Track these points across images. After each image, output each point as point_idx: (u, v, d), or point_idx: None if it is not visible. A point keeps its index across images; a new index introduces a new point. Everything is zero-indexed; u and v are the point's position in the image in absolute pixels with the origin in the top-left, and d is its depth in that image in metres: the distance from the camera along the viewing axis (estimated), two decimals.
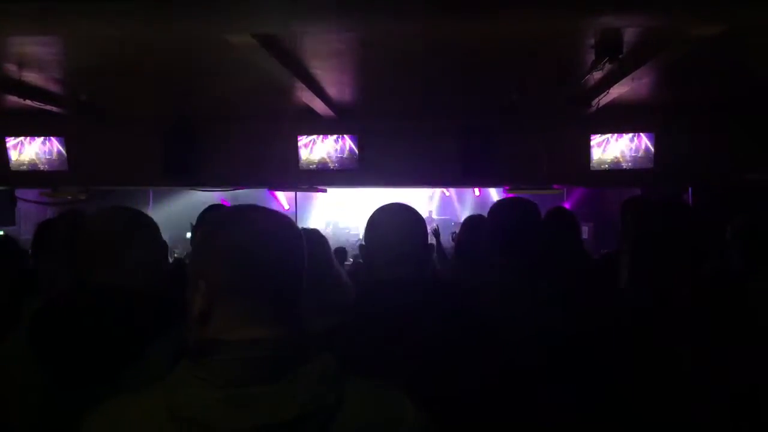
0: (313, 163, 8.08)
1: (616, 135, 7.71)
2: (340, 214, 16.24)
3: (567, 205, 10.89)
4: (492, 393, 1.65)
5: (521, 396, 1.72)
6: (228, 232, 1.17)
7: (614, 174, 7.80)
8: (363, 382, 1.17)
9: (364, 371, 1.19)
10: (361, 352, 1.48)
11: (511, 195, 7.46)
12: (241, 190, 9.60)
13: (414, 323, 1.67)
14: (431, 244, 2.03)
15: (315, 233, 3.25)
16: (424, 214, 15.76)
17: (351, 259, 8.92)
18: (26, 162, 8.23)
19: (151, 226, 1.94)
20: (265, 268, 1.14)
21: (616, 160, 7.74)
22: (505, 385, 1.69)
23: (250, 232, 1.16)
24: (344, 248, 8.04)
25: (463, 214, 15.00)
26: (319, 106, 6.96)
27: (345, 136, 8.01)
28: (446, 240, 8.44)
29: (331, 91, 6.68)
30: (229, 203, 13.79)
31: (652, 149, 7.63)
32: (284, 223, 1.22)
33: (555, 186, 7.61)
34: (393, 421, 1.14)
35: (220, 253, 1.15)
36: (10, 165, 8.21)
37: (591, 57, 4.84)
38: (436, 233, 6.84)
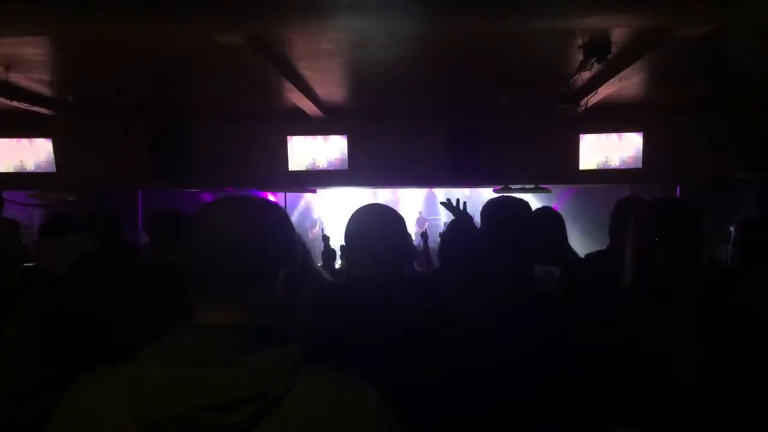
0: (302, 163, 8.08)
1: (604, 134, 7.76)
2: (328, 214, 16.20)
3: (556, 206, 10.92)
4: (468, 390, 1.66)
5: (491, 392, 1.73)
6: (193, 222, 1.21)
7: (603, 173, 7.85)
8: (325, 371, 1.18)
9: (340, 366, 1.20)
10: (338, 348, 1.49)
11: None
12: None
13: (391, 320, 1.68)
14: (410, 244, 2.06)
15: None
16: (415, 215, 15.74)
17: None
18: (13, 163, 8.18)
19: None
20: (224, 257, 1.16)
21: (604, 160, 7.78)
22: (477, 381, 1.70)
23: (211, 221, 1.19)
24: (333, 249, 8.00)
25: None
26: (308, 106, 6.95)
27: (334, 136, 8.01)
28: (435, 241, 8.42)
29: (321, 91, 6.68)
30: None
31: (641, 148, 7.69)
32: (257, 213, 1.23)
33: (544, 186, 7.62)
34: (355, 409, 1.15)
35: (185, 242, 1.20)
36: None
37: (579, 57, 4.86)
38: (425, 236, 6.83)
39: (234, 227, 1.18)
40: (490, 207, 2.54)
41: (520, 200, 2.46)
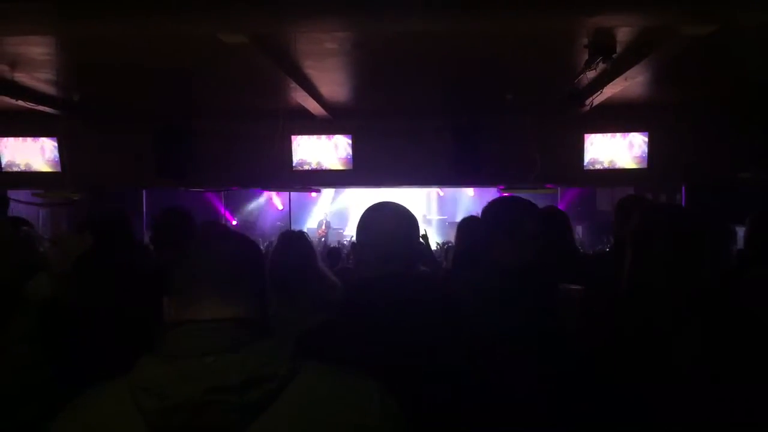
0: (306, 163, 8.08)
1: (609, 134, 7.74)
2: (334, 214, 16.23)
3: (561, 206, 10.92)
4: (473, 390, 1.66)
5: (501, 392, 1.73)
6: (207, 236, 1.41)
7: (607, 173, 7.83)
8: (326, 365, 1.25)
9: (350, 363, 1.26)
10: (349, 346, 1.49)
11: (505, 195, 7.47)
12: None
13: (402, 319, 1.67)
14: (422, 242, 2.05)
15: (300, 235, 3.35)
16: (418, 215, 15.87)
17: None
18: (18, 163, 8.21)
19: None
20: (218, 263, 1.28)
21: (609, 160, 7.76)
22: (485, 381, 1.70)
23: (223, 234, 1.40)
24: (338, 249, 8.02)
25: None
26: (312, 105, 6.95)
27: (339, 135, 8.01)
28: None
29: (325, 90, 6.67)
30: (223, 207, 13.80)
31: (646, 148, 7.66)
32: (237, 234, 1.45)
33: (548, 185, 7.61)
34: (358, 399, 1.21)
35: (199, 249, 1.32)
36: (2, 166, 8.19)
37: (585, 56, 4.85)
38: (425, 239, 6.81)
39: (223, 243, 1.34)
40: (488, 207, 2.53)
41: (519, 199, 2.44)
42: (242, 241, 1.37)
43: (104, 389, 1.20)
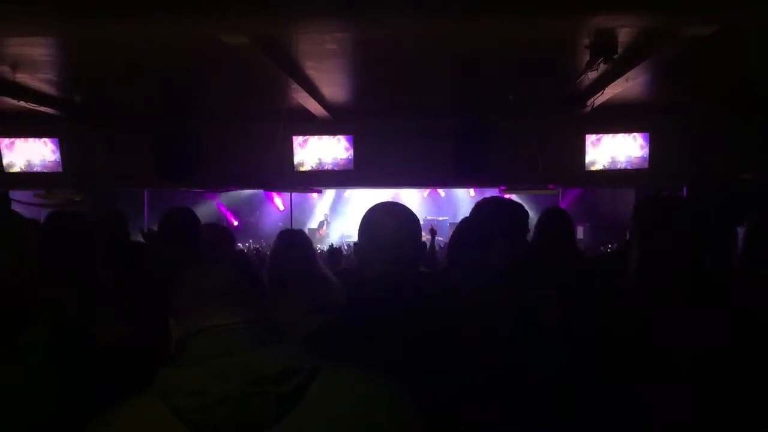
0: (308, 163, 8.08)
1: (610, 135, 7.73)
2: (335, 215, 16.24)
3: (562, 206, 10.91)
4: (474, 389, 1.66)
5: (503, 392, 1.73)
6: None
7: (609, 174, 7.82)
8: (345, 363, 1.31)
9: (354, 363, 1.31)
10: (351, 347, 1.50)
11: (505, 196, 7.48)
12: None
13: (404, 319, 1.67)
14: (424, 243, 2.05)
15: (299, 234, 3.33)
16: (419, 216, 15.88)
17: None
18: (20, 163, 8.22)
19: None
20: (219, 274, 1.33)
21: (610, 161, 7.76)
22: (487, 382, 1.70)
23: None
24: (339, 249, 8.02)
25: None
26: (313, 106, 6.95)
27: (340, 136, 8.01)
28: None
29: (326, 91, 6.68)
30: (224, 207, 13.80)
31: (647, 149, 7.66)
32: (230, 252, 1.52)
33: (550, 186, 7.61)
34: (372, 397, 1.26)
35: (213, 267, 1.37)
36: (4, 166, 8.20)
37: (586, 57, 4.85)
38: (433, 233, 6.84)
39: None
40: (476, 208, 2.54)
41: (506, 200, 2.46)
42: (236, 254, 1.44)
43: (130, 401, 1.21)
